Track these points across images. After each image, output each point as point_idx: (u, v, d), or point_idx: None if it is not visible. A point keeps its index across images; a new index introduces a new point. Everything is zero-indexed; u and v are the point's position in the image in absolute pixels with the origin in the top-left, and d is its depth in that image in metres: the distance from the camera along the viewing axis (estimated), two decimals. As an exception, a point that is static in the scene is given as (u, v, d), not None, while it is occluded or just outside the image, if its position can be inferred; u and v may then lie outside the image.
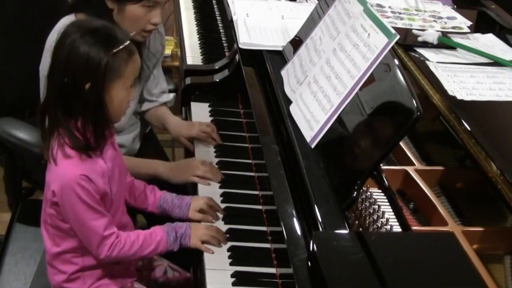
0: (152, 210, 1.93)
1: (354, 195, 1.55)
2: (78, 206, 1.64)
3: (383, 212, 1.65)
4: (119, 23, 2.04)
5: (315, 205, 1.57)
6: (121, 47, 1.61)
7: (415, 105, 1.51)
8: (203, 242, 1.79)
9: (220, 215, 1.92)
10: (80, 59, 1.59)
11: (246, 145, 2.23)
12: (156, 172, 2.10)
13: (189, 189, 2.08)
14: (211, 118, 2.37)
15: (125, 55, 1.62)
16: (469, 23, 2.37)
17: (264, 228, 1.88)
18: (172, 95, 2.48)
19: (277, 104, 1.96)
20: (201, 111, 2.41)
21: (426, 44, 2.17)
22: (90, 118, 1.64)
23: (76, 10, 2.09)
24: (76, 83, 1.60)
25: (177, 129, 2.30)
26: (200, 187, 2.04)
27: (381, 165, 1.76)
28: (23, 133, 2.32)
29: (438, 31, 2.21)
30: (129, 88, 1.67)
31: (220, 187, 2.04)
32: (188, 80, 2.50)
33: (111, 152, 1.74)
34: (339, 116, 1.72)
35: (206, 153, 2.20)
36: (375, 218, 1.64)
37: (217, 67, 2.52)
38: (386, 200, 1.70)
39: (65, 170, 1.64)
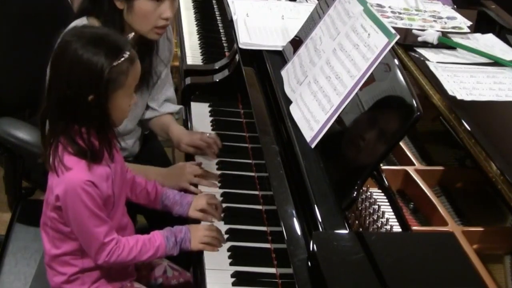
0: (154, 207, 1.93)
1: (354, 195, 1.54)
2: (82, 212, 1.63)
3: (383, 212, 1.65)
4: (130, 22, 2.03)
5: (315, 205, 1.57)
6: (123, 58, 1.59)
7: (415, 105, 1.51)
8: (204, 243, 1.79)
9: (221, 215, 1.92)
10: (83, 71, 1.57)
11: (246, 145, 2.23)
12: (147, 178, 2.06)
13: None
14: (211, 118, 2.37)
15: (127, 64, 1.60)
16: (469, 23, 2.37)
17: (264, 228, 1.88)
18: (179, 106, 2.39)
19: (277, 104, 1.96)
20: (201, 111, 2.41)
21: (426, 44, 2.17)
22: (94, 126, 1.63)
23: (88, 13, 2.07)
24: (79, 95, 1.58)
25: (179, 136, 2.23)
26: (200, 186, 2.04)
27: (381, 165, 1.76)
28: (23, 133, 2.32)
29: (438, 31, 2.21)
30: (131, 94, 1.67)
31: (220, 187, 2.04)
32: (188, 80, 2.49)
33: (115, 154, 1.74)
34: (339, 116, 1.72)
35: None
36: (375, 218, 1.64)
37: (217, 67, 2.52)
38: (386, 200, 1.70)
39: (70, 175, 1.63)
